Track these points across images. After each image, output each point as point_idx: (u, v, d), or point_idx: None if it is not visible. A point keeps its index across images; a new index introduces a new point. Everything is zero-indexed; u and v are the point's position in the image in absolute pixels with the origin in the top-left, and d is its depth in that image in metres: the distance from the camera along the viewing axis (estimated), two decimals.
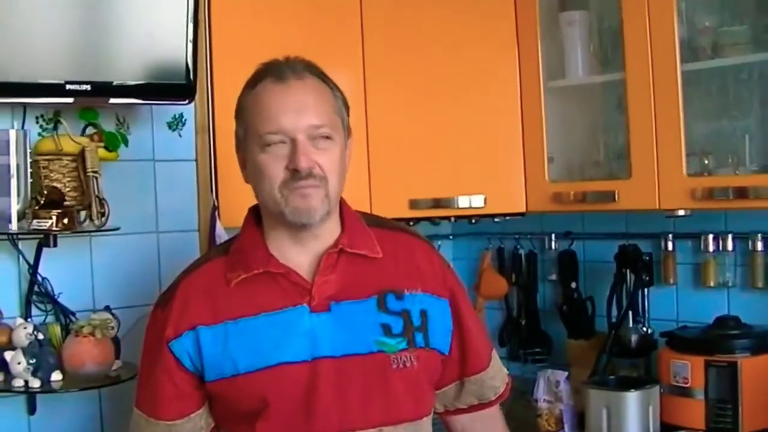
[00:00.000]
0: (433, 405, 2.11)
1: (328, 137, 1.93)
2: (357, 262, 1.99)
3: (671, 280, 3.12)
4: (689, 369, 2.73)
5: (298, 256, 1.97)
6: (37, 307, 2.63)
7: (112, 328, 2.57)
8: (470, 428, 2.22)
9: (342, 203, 2.04)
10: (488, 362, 2.17)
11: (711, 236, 3.00)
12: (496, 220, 3.26)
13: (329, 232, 1.99)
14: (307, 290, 1.93)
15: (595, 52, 3.05)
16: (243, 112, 1.98)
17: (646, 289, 3.11)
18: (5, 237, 2.54)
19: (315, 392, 1.89)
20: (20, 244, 2.59)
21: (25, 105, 2.58)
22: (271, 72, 1.96)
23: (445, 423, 2.23)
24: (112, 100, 2.60)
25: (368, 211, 2.92)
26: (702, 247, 3.02)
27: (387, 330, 1.96)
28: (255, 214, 2.04)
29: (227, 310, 1.93)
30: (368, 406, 1.92)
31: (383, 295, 1.98)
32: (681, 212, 2.77)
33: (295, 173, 1.88)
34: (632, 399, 2.77)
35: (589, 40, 3.05)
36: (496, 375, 2.19)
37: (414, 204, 3.11)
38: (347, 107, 2.04)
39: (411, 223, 3.26)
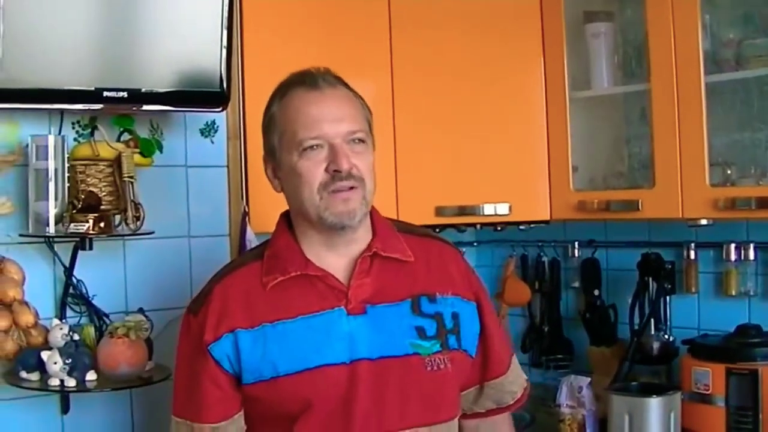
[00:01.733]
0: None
1: (362, 141, 1.99)
2: (390, 266, 2.03)
3: (693, 289, 3.14)
4: (710, 376, 2.76)
5: (333, 260, 2.01)
6: (72, 309, 2.68)
7: (146, 329, 2.60)
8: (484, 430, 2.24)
9: (372, 209, 2.08)
10: (508, 367, 2.21)
11: (733, 246, 3.02)
12: (520, 227, 3.30)
13: (362, 237, 2.03)
14: (344, 293, 1.97)
15: (620, 64, 3.08)
16: (275, 121, 2.02)
17: (668, 297, 3.14)
18: (42, 240, 2.59)
19: (354, 394, 1.93)
20: (56, 247, 2.64)
21: (62, 111, 2.62)
22: (303, 81, 2.01)
23: (459, 425, 2.23)
24: (146, 107, 2.64)
25: (395, 218, 3.01)
26: (724, 256, 3.04)
27: (421, 332, 2.00)
28: (287, 220, 2.08)
29: (264, 314, 1.96)
30: (405, 408, 1.96)
31: (417, 299, 2.02)
32: (703, 222, 2.81)
33: (336, 174, 1.93)
34: (654, 405, 2.79)
35: (614, 52, 3.09)
36: (515, 380, 2.23)
37: (440, 211, 3.15)
38: (371, 115, 2.10)
39: (437, 230, 3.30)
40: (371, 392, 1.94)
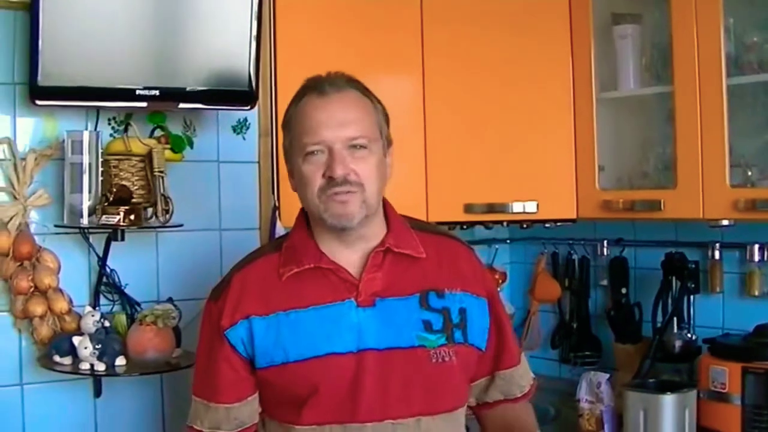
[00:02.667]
0: (468, 397, 2.22)
1: (364, 147, 2.04)
2: (402, 262, 2.11)
3: (718, 289, 3.17)
4: (727, 375, 2.80)
5: (346, 254, 2.09)
6: (106, 297, 2.79)
7: (174, 318, 2.71)
8: (496, 418, 2.30)
9: (387, 207, 2.16)
10: (519, 360, 2.27)
11: (756, 246, 3.05)
12: (546, 225, 3.34)
13: (375, 233, 2.11)
14: (355, 286, 2.06)
15: (647, 65, 3.11)
16: (289, 123, 2.11)
17: (691, 297, 3.18)
18: (77, 231, 2.70)
19: (360, 382, 2.01)
20: (91, 239, 2.75)
21: (98, 108, 2.74)
22: (313, 87, 2.08)
23: (476, 415, 2.33)
24: (180, 105, 2.74)
25: (424, 214, 3.08)
26: (747, 256, 3.07)
27: (428, 326, 2.08)
28: (305, 216, 2.16)
29: (279, 302, 2.05)
30: (409, 397, 2.03)
31: (425, 293, 2.10)
32: (725, 222, 2.82)
33: (330, 180, 2.01)
34: (668, 402, 2.84)
35: (641, 54, 3.11)
36: (524, 375, 2.29)
37: (468, 208, 3.20)
38: (387, 119, 2.16)
39: (464, 227, 3.38)
40: (377, 381, 2.02)
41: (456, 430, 2.16)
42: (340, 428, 2.02)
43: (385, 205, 2.16)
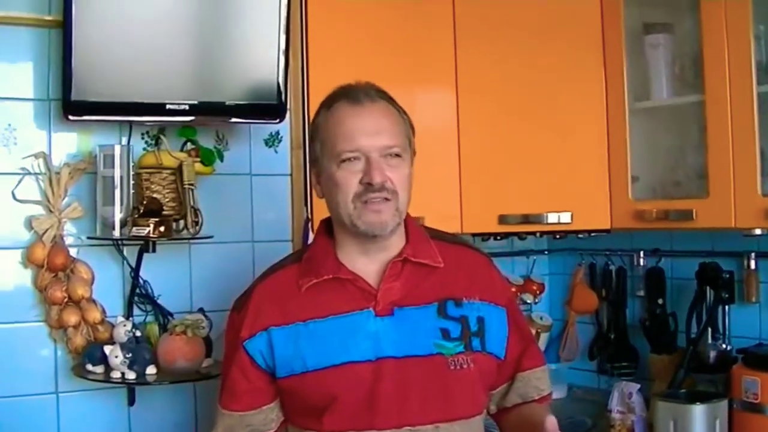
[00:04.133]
0: (486, 405, 2.23)
1: (398, 155, 2.07)
2: (420, 271, 2.13)
3: (753, 299, 3.13)
4: (759, 385, 2.78)
5: (366, 264, 2.12)
6: (139, 308, 2.85)
7: (203, 328, 2.76)
8: (513, 420, 2.29)
9: (407, 217, 2.17)
10: (540, 363, 2.29)
11: None
12: (580, 236, 3.35)
13: (395, 243, 2.13)
14: (373, 295, 2.08)
15: (679, 74, 3.09)
16: (319, 130, 2.13)
17: (726, 307, 3.14)
18: (111, 242, 2.77)
19: (378, 389, 2.03)
20: (125, 251, 2.82)
21: (131, 122, 2.80)
22: (347, 95, 2.11)
23: (496, 423, 2.34)
24: (211, 119, 2.82)
25: (459, 226, 3.09)
26: None
27: (445, 334, 2.09)
28: (326, 226, 2.19)
29: (298, 313, 2.08)
30: (426, 404, 2.05)
31: (443, 302, 2.12)
32: (758, 231, 2.80)
33: (368, 186, 2.03)
34: (698, 412, 2.82)
35: (673, 63, 3.10)
36: (543, 379, 2.29)
37: (503, 219, 3.21)
38: (413, 129, 2.18)
39: (498, 238, 3.39)
40: (395, 388, 2.04)
41: None
42: None
43: (405, 216, 2.17)
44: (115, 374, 2.64)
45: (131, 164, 2.71)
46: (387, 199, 2.04)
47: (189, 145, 2.86)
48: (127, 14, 2.62)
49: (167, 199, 2.75)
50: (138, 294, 2.84)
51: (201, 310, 2.86)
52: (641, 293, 3.52)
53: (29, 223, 2.70)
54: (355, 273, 2.10)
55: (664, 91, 3.11)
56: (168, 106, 2.69)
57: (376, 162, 2.04)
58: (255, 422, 2.13)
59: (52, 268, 2.67)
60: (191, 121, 2.79)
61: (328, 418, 2.05)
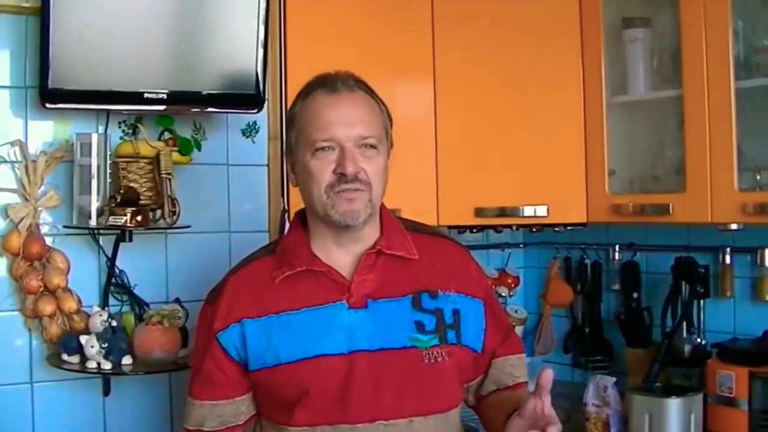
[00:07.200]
0: (462, 398, 2.23)
1: (373, 147, 2.07)
2: (394, 263, 2.13)
3: (729, 293, 3.16)
4: (734, 379, 2.80)
5: (340, 256, 2.12)
6: (115, 297, 2.84)
7: (179, 318, 2.76)
8: (490, 406, 2.27)
9: (382, 209, 2.17)
10: (516, 350, 2.30)
11: (767, 251, 3.04)
12: (556, 229, 3.36)
13: (369, 235, 2.13)
14: (347, 288, 2.07)
15: (657, 69, 3.11)
16: (295, 119, 2.12)
17: (701, 301, 3.16)
18: (87, 232, 2.76)
19: (351, 383, 2.03)
20: (101, 240, 2.80)
21: (108, 111, 2.78)
22: (324, 83, 2.10)
23: (476, 413, 2.34)
24: (190, 108, 2.80)
25: (435, 218, 3.09)
26: (759, 261, 3.07)
27: (420, 327, 2.09)
28: (301, 218, 2.19)
29: (271, 305, 2.08)
30: (401, 398, 2.05)
31: (418, 295, 2.11)
32: (734, 226, 2.82)
33: (341, 177, 2.02)
34: (674, 406, 2.83)
35: (651, 57, 3.11)
36: (518, 366, 2.29)
37: (479, 212, 3.22)
38: (391, 121, 2.17)
39: (475, 231, 3.39)
40: (368, 382, 2.03)
41: None
42: (332, 429, 2.04)
43: (381, 208, 2.17)
44: (91, 364, 2.63)
45: (108, 153, 2.70)
46: (359, 190, 2.04)
47: (166, 135, 2.85)
48: (105, 2, 2.60)
49: (144, 189, 2.73)
50: (114, 284, 2.83)
51: (177, 300, 2.85)
52: (616, 287, 3.54)
53: (5, 212, 2.68)
54: (328, 265, 2.10)
55: (642, 85, 3.13)
56: (146, 95, 2.67)
57: (350, 152, 2.03)
58: (226, 413, 2.13)
59: (27, 256, 2.65)
60: (168, 110, 2.77)
61: (300, 412, 2.04)
